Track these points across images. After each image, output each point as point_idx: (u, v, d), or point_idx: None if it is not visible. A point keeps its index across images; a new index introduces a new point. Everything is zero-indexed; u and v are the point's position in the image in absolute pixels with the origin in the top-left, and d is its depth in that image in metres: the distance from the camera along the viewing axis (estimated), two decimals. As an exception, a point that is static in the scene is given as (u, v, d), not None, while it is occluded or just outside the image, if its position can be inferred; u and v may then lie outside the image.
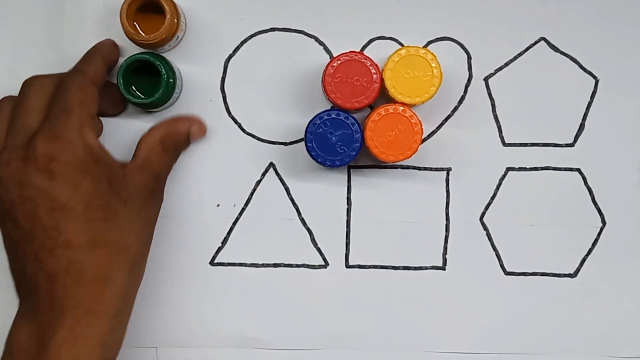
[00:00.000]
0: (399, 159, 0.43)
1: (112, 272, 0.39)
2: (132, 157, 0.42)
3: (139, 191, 0.40)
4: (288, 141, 0.47)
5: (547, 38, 0.47)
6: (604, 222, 0.47)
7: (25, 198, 0.37)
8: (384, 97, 0.45)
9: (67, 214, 0.37)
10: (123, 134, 0.47)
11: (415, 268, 0.48)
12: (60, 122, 0.38)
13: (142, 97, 0.44)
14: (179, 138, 0.43)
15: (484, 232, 0.47)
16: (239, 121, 0.47)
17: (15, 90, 0.46)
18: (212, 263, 0.47)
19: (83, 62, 0.43)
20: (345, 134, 0.43)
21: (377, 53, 0.45)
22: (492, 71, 0.47)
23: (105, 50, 0.44)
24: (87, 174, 0.38)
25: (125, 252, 0.39)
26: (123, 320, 0.41)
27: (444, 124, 0.47)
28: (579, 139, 0.47)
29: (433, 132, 0.47)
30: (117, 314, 0.39)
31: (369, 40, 0.47)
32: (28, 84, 0.41)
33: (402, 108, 0.43)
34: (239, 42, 0.47)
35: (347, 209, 0.47)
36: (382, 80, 0.43)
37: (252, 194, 0.47)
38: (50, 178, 0.37)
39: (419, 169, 0.47)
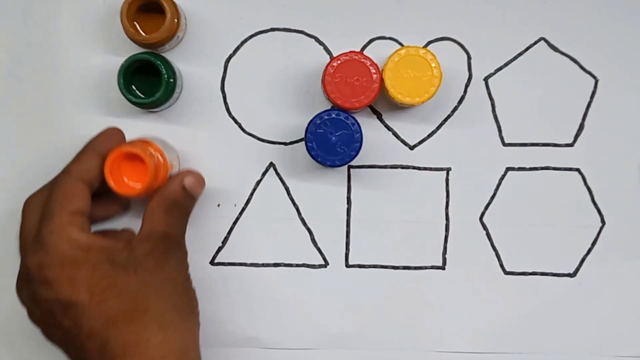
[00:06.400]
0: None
1: (140, 336, 0.39)
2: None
3: (147, 257, 0.41)
4: (288, 141, 0.47)
5: (547, 38, 0.47)
6: (603, 222, 0.47)
7: (45, 313, 0.39)
8: (383, 97, 0.45)
9: (77, 308, 0.39)
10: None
11: (415, 268, 0.48)
12: (42, 230, 0.40)
13: (142, 97, 0.44)
14: (175, 195, 0.42)
15: (484, 232, 0.47)
16: (239, 121, 0.47)
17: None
18: (212, 263, 0.47)
19: (72, 161, 0.42)
20: (345, 134, 0.43)
21: (377, 53, 0.45)
22: (492, 71, 0.47)
23: (99, 143, 0.42)
24: (78, 265, 0.39)
25: (147, 313, 0.40)
26: None
27: (444, 124, 0.47)
28: (579, 139, 0.47)
29: (433, 132, 0.47)
30: None
31: (369, 40, 0.47)
32: (25, 205, 0.42)
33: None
34: (239, 42, 0.47)
35: (347, 209, 0.47)
36: (382, 80, 0.43)
37: (252, 194, 0.47)
38: (48, 285, 0.39)
39: (419, 169, 0.47)
